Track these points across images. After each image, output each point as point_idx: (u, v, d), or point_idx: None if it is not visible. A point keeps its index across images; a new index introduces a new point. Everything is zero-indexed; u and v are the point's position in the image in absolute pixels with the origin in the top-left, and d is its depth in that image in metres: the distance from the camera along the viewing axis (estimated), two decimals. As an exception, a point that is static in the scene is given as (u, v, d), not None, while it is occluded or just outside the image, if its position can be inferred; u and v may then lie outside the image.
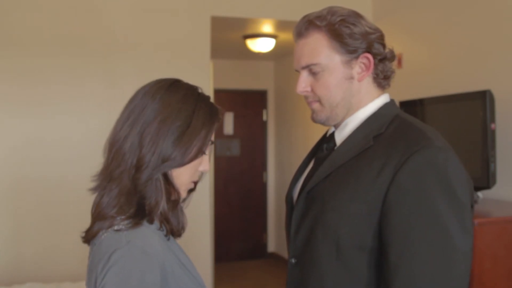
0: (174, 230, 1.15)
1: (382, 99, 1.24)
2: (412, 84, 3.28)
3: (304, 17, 1.23)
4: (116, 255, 0.96)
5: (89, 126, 3.26)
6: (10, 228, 3.12)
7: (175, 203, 1.13)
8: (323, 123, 1.26)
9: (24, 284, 2.81)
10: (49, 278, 3.08)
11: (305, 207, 1.22)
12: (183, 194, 1.13)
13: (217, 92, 5.14)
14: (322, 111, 1.23)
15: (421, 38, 3.31)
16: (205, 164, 1.13)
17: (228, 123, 6.01)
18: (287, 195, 1.36)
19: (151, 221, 1.06)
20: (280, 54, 5.51)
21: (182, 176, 1.09)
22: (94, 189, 1.12)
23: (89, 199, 3.41)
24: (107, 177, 1.08)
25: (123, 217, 1.03)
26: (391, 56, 1.24)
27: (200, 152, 1.08)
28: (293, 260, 1.25)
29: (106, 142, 1.11)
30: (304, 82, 1.23)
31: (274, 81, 6.21)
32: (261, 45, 4.62)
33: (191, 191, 1.20)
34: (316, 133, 1.40)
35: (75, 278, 3.07)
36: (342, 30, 1.17)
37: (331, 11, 1.20)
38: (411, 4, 3.40)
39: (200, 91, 1.14)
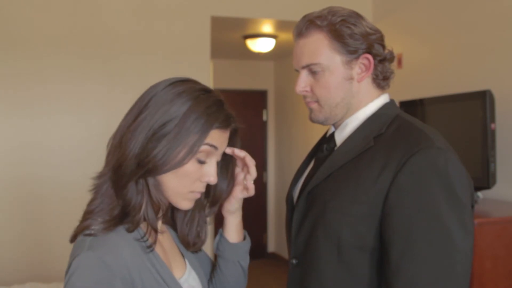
0: (188, 241, 1.10)
1: (382, 99, 1.24)
2: (412, 84, 3.28)
3: (305, 16, 1.22)
4: (75, 262, 0.91)
5: (89, 126, 3.26)
6: (10, 228, 3.12)
7: (165, 211, 1.05)
8: (321, 123, 1.26)
9: (24, 284, 2.81)
10: (49, 278, 3.08)
11: (306, 207, 1.22)
12: (181, 204, 1.00)
13: (217, 92, 5.13)
14: (320, 112, 1.23)
15: (421, 38, 3.31)
16: (207, 174, 0.99)
17: (228, 123, 6.01)
18: (287, 195, 1.36)
19: (131, 229, 0.95)
20: (280, 54, 5.51)
21: (171, 184, 0.97)
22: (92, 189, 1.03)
23: (89, 199, 3.36)
24: (99, 177, 1.01)
25: (100, 220, 0.95)
26: (391, 57, 1.24)
27: (185, 160, 0.94)
28: (294, 261, 1.25)
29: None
30: (303, 82, 1.22)
31: (274, 81, 6.21)
32: (261, 45, 4.62)
33: (213, 203, 1.13)
34: (316, 133, 1.40)
35: (75, 278, 3.07)
36: (343, 30, 1.17)
37: (332, 11, 1.20)
38: (411, 4, 3.40)
39: (205, 93, 1.01)
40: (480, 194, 2.49)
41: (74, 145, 3.23)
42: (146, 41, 3.37)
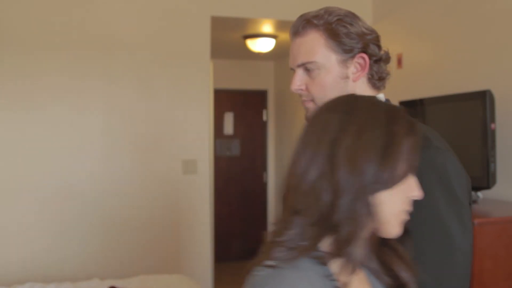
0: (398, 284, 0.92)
1: None
2: (412, 84, 3.28)
3: (301, 16, 1.24)
4: None
5: (89, 126, 3.26)
6: (9, 228, 3.11)
7: (375, 242, 0.90)
8: None
9: (24, 284, 2.81)
10: (49, 278, 3.08)
11: None
12: (394, 230, 0.87)
13: (217, 92, 5.14)
14: None
15: (421, 38, 3.31)
16: (414, 189, 0.88)
17: (228, 123, 6.01)
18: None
19: (324, 260, 0.82)
20: (280, 54, 5.51)
21: (390, 204, 0.85)
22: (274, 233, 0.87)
23: (90, 199, 3.42)
24: (289, 213, 0.86)
25: (283, 249, 0.82)
26: (387, 58, 1.24)
27: (408, 172, 0.85)
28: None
29: (285, 179, 0.92)
30: (299, 81, 1.23)
31: (274, 81, 6.20)
32: (261, 45, 4.62)
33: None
34: (316, 133, 1.40)
35: (75, 278, 3.07)
36: (339, 29, 1.18)
37: (328, 10, 1.21)
38: (411, 4, 3.40)
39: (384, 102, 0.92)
40: (480, 194, 2.49)
41: (74, 144, 3.23)
42: (146, 41, 3.37)
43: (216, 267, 4.83)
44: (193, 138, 3.47)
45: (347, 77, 1.21)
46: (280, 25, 4.09)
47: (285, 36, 4.51)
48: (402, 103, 2.86)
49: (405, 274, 0.92)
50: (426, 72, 3.22)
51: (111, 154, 3.29)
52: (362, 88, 1.23)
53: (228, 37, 4.56)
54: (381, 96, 1.26)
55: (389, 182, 0.83)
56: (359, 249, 0.83)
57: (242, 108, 6.09)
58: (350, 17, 1.20)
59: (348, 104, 0.88)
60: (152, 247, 3.36)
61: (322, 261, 0.82)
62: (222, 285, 5.00)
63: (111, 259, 3.26)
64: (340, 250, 0.81)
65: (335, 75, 1.20)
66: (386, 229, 0.87)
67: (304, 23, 1.21)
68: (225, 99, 5.91)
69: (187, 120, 3.45)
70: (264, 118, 6.20)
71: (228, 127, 6.01)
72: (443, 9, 3.09)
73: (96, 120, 3.27)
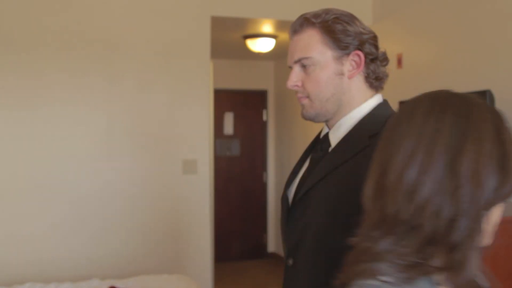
0: None
1: (375, 100, 1.24)
2: (412, 84, 3.28)
3: (300, 16, 1.25)
4: None
5: (89, 126, 3.26)
6: (9, 228, 3.11)
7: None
8: (312, 120, 1.26)
9: (24, 284, 2.81)
10: (49, 278, 3.08)
11: (301, 208, 1.21)
12: (489, 240, 0.83)
13: (217, 92, 5.14)
14: (311, 107, 1.24)
15: (421, 38, 3.31)
16: None
17: (228, 123, 6.01)
18: (282, 196, 1.35)
19: (439, 281, 0.79)
20: (280, 54, 5.51)
21: (495, 216, 0.82)
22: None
23: (89, 198, 3.41)
24: (397, 226, 0.78)
25: (391, 265, 0.76)
26: (383, 58, 1.25)
27: None
28: (289, 262, 1.25)
29: (373, 188, 0.84)
30: (295, 77, 1.24)
31: (274, 81, 6.21)
32: (261, 45, 4.62)
33: None
34: (316, 133, 1.40)
35: (75, 278, 3.07)
36: (335, 26, 1.19)
37: (326, 10, 1.23)
38: (412, 4, 3.40)
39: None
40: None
41: (74, 144, 3.23)
42: (146, 40, 3.37)
43: (216, 267, 4.83)
44: (193, 138, 3.47)
45: (342, 74, 1.21)
46: (280, 25, 4.09)
47: (285, 36, 4.51)
48: (402, 103, 2.87)
49: (484, 282, 0.87)
50: (426, 72, 3.23)
51: (111, 155, 3.29)
52: (358, 86, 1.23)
53: (228, 37, 4.56)
54: (378, 97, 1.26)
55: (505, 196, 0.78)
56: (474, 267, 0.77)
57: (242, 108, 6.09)
58: (348, 17, 1.21)
59: (458, 105, 0.80)
60: (152, 247, 3.36)
61: (437, 281, 0.79)
62: (222, 285, 5.00)
63: (111, 259, 3.26)
64: (458, 271, 0.76)
65: (330, 72, 1.20)
66: (483, 240, 0.81)
67: (302, 21, 1.23)
68: (225, 99, 5.90)
69: (187, 120, 3.45)
70: (264, 118, 6.21)
71: (228, 127, 6.02)
72: (443, 9, 3.09)
73: (96, 120, 3.27)
